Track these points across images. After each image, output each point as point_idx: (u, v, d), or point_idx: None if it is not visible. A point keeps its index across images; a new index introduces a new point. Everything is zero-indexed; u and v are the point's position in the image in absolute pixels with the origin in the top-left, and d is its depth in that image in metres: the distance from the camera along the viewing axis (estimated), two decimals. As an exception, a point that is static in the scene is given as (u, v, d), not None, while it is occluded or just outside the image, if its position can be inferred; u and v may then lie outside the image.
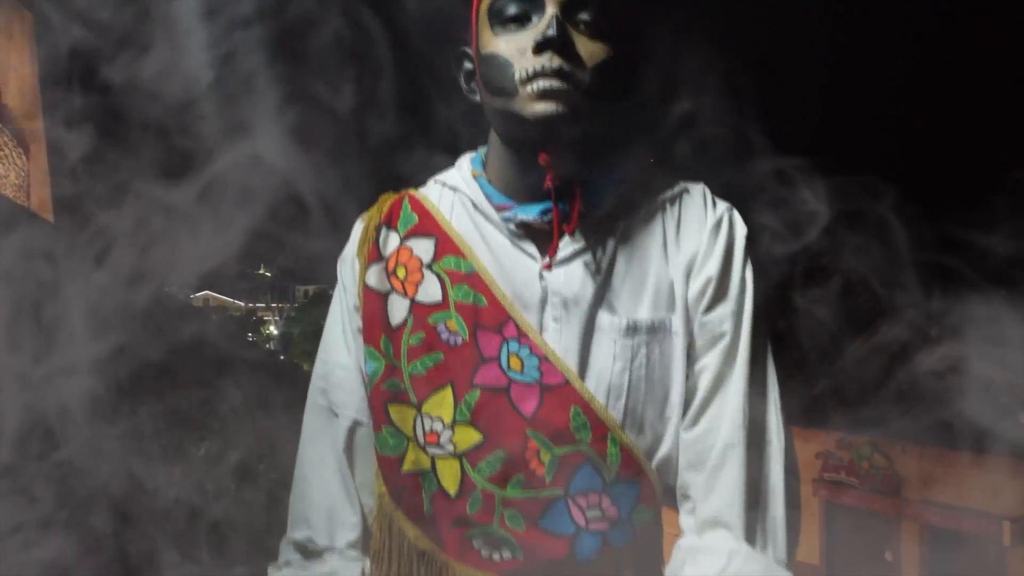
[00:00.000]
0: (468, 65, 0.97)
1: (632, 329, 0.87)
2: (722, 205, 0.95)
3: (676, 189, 0.95)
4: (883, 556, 8.33)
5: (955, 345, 8.34)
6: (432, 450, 0.89)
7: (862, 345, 8.97)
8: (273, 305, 30.75)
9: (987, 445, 7.09)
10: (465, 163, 1.01)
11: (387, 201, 1.01)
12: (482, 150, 1.01)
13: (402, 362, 0.91)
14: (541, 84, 0.83)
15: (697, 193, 0.96)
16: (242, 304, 32.73)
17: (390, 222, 0.99)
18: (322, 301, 26.07)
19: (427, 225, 0.96)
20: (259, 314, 30.14)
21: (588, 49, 0.85)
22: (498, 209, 0.93)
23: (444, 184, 1.00)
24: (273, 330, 29.30)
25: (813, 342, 8.88)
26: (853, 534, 8.69)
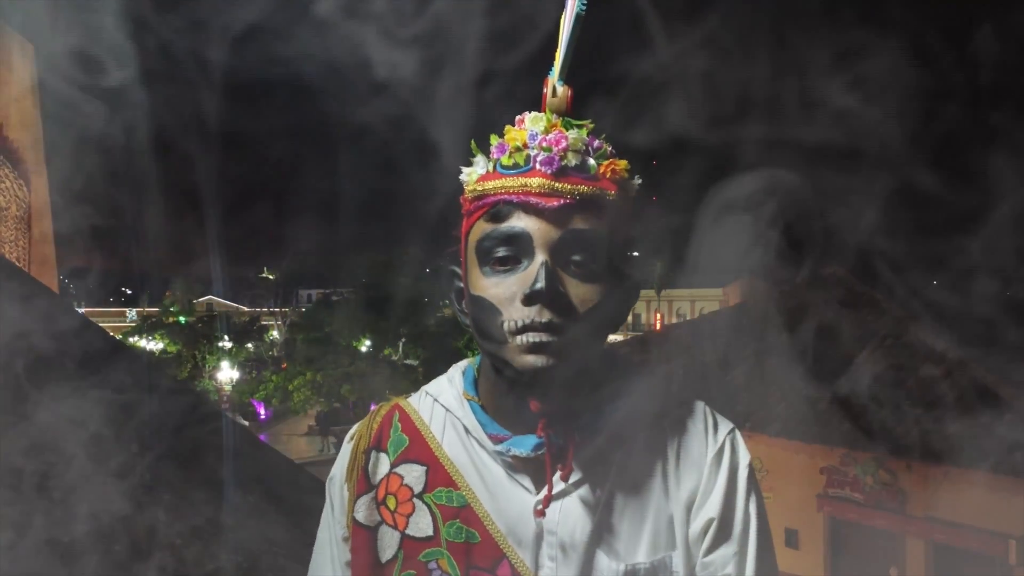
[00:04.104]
0: (458, 284, 0.92)
1: (631, 575, 0.83)
2: (723, 428, 0.90)
3: (675, 412, 0.91)
4: (888, 573, 8.30)
5: (962, 359, 8.32)
6: None
7: (867, 359, 8.93)
8: (276, 310, 30.77)
9: (993, 463, 7.05)
10: (457, 379, 0.97)
11: (377, 417, 0.97)
12: (474, 364, 0.98)
13: None
14: (530, 337, 0.79)
15: (698, 415, 0.91)
16: (245, 308, 32.78)
17: (380, 444, 0.95)
18: (326, 306, 26.09)
19: (418, 450, 0.92)
20: (262, 319, 30.16)
21: (579, 293, 0.81)
22: (492, 439, 0.89)
23: (436, 400, 0.96)
24: (276, 335, 29.32)
25: (817, 355, 8.85)
26: (858, 550, 8.66)
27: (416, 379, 23.61)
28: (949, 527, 7.69)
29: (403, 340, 24.81)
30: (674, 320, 31.63)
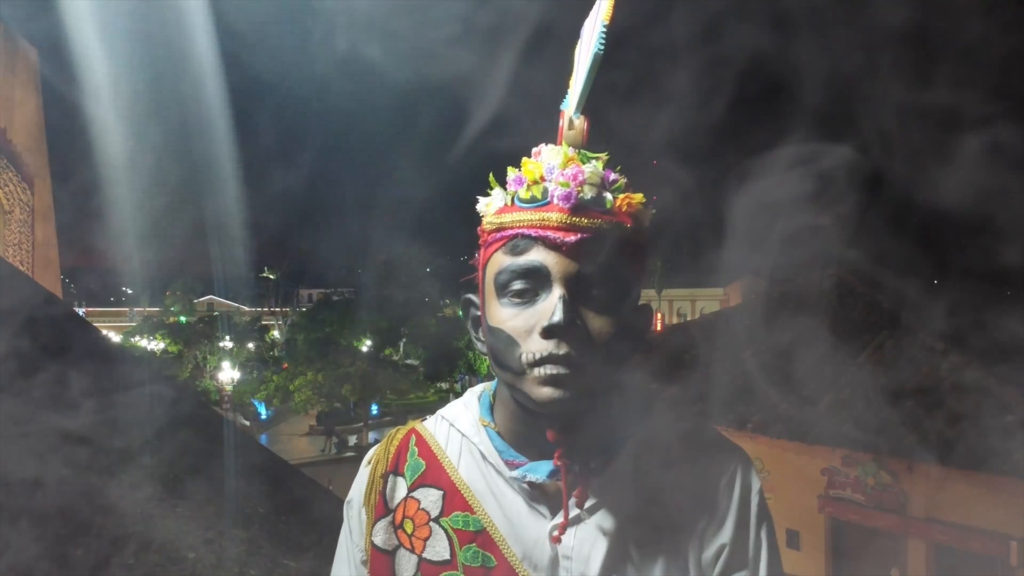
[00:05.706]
0: (475, 312, 0.93)
1: None
2: (735, 455, 0.92)
3: (688, 439, 0.92)
4: (889, 574, 8.30)
5: (963, 360, 8.32)
6: None
7: (868, 360, 8.93)
8: (276, 310, 30.80)
9: (995, 464, 7.05)
10: (474, 405, 0.98)
11: (394, 441, 0.99)
12: (490, 390, 0.99)
13: None
14: (548, 370, 0.79)
15: (710, 441, 0.92)
16: (246, 308, 32.77)
17: (397, 468, 0.96)
18: (327, 306, 26.09)
19: (435, 475, 0.94)
20: (263, 319, 30.14)
21: (597, 326, 0.81)
22: (508, 465, 0.90)
23: (452, 425, 0.97)
24: (277, 335, 29.34)
25: (819, 356, 8.86)
26: (859, 551, 8.67)
27: (417, 379, 23.64)
28: (950, 528, 7.70)
29: (404, 340, 24.81)
30: (675, 320, 31.64)
